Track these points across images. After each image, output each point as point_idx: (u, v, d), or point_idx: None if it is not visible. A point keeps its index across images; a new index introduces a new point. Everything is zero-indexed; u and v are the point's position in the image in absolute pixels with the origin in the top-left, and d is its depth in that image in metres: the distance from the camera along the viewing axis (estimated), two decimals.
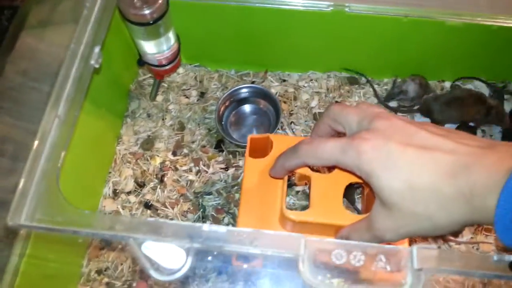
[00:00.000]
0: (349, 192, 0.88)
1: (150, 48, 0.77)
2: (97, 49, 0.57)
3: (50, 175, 0.49)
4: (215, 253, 0.58)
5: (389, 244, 0.46)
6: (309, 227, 0.52)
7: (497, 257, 0.43)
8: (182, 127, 0.97)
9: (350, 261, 0.43)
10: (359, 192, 0.88)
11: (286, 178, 0.61)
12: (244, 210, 0.56)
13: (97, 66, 0.58)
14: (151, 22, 0.70)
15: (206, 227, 0.44)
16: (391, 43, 0.92)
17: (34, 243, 0.64)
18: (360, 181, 0.54)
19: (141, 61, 0.82)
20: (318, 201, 0.54)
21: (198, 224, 0.44)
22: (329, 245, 0.44)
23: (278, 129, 0.95)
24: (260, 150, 0.65)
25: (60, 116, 0.52)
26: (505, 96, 0.99)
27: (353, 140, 0.45)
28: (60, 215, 0.44)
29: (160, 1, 0.69)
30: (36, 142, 0.52)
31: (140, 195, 0.90)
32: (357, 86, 1.01)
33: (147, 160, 0.94)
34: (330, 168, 0.59)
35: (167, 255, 0.42)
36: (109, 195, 0.91)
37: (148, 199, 0.90)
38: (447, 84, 1.01)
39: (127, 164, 0.93)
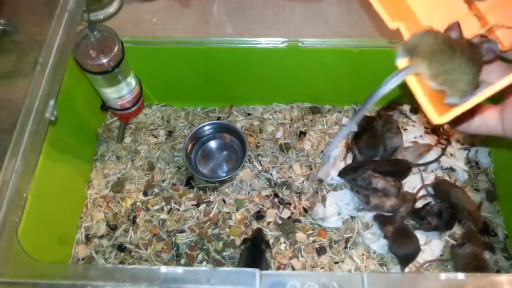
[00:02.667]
0: None
1: (111, 94, 0.79)
2: (51, 103, 0.59)
3: (8, 230, 0.50)
4: None
5: None
6: None
7: (445, 276, 0.46)
8: (151, 167, 0.99)
9: None
10: None
11: None
12: None
13: (52, 118, 0.60)
14: (110, 70, 0.72)
15: (164, 269, 0.46)
16: (345, 73, 0.97)
17: None
18: None
19: (104, 106, 0.84)
20: None
21: (155, 267, 0.45)
22: (283, 278, 0.45)
23: (246, 162, 0.97)
24: None
25: (17, 171, 0.53)
26: None
27: None
28: (19, 268, 0.45)
29: (115, 50, 0.71)
30: None
31: (113, 238, 0.91)
32: (319, 115, 1.05)
33: (118, 202, 0.95)
34: None
35: None
36: (81, 240, 0.91)
37: (121, 242, 0.90)
38: (406, 107, 1.06)
39: (99, 208, 0.94)
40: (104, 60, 0.71)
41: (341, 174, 0.93)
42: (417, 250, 0.83)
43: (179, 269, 0.46)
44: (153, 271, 0.46)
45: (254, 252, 0.82)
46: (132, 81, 0.82)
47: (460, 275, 0.45)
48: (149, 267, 0.45)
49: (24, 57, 0.69)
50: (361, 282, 0.45)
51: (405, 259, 0.83)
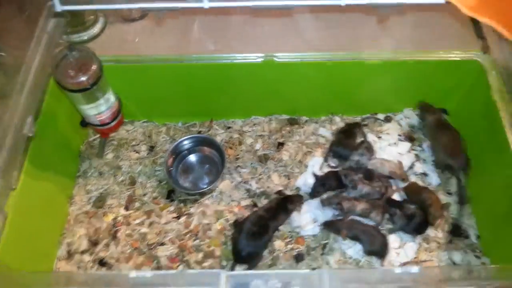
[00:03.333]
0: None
1: (90, 110, 0.82)
2: (29, 119, 0.62)
3: None
4: None
5: None
6: None
7: (401, 270, 0.48)
8: (133, 182, 1.01)
9: None
10: None
11: None
12: None
13: (30, 134, 0.63)
14: (89, 87, 0.75)
15: (133, 273, 0.48)
16: (320, 85, 1.00)
17: None
18: None
19: (84, 122, 0.87)
20: None
21: (124, 272, 0.47)
22: (247, 277, 0.48)
23: (225, 173, 1.00)
24: None
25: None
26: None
27: None
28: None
29: (93, 67, 0.74)
30: None
31: (94, 253, 0.92)
32: (297, 126, 1.08)
33: (100, 217, 0.96)
34: None
35: None
36: (63, 256, 0.92)
37: (102, 256, 0.91)
38: (381, 116, 1.09)
39: (80, 223, 0.95)
40: (83, 78, 0.74)
41: (315, 196, 0.95)
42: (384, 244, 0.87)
43: (148, 274, 0.48)
44: (123, 276, 0.48)
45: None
46: (110, 97, 0.84)
47: (414, 269, 0.48)
48: (119, 273, 0.47)
49: (4, 77, 0.72)
50: (320, 278, 0.48)
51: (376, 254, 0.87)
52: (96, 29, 1.27)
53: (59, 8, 0.74)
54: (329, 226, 0.91)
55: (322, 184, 0.93)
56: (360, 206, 0.89)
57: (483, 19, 0.59)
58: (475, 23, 1.02)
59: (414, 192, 0.93)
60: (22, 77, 0.64)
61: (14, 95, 0.62)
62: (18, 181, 0.66)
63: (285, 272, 0.48)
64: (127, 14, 1.31)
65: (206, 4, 0.73)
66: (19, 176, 0.74)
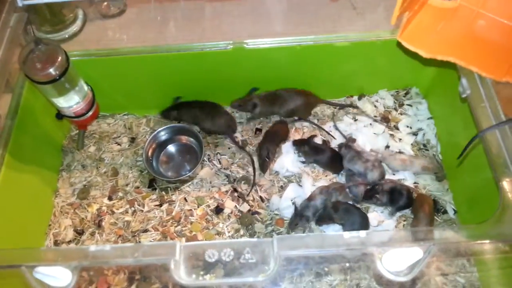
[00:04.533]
0: None
1: (63, 102, 0.84)
2: None
3: None
4: None
5: None
6: None
7: (348, 235, 0.50)
8: (115, 173, 1.03)
9: (221, 258, 0.49)
10: None
11: None
12: None
13: None
14: (57, 78, 0.77)
15: (93, 247, 0.50)
16: (291, 69, 1.02)
17: None
18: None
19: (59, 115, 0.89)
20: None
21: (84, 246, 0.49)
22: (201, 247, 0.50)
23: (205, 160, 1.02)
24: None
25: None
26: (408, 102, 1.08)
27: None
28: None
29: (59, 58, 0.77)
30: None
31: (80, 242, 0.94)
32: None
33: (85, 208, 0.99)
34: None
35: (55, 276, 0.47)
36: (50, 246, 0.94)
37: (87, 245, 0.94)
38: (355, 98, 1.11)
39: (65, 214, 0.98)
40: (50, 70, 0.76)
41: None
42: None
43: (107, 247, 0.50)
44: (83, 250, 0.50)
45: None
46: (82, 88, 0.86)
47: (362, 233, 0.49)
48: (80, 247, 0.49)
49: None
50: (271, 245, 0.50)
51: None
52: (76, 26, 1.29)
53: (20, 3, 0.76)
54: (321, 220, 0.92)
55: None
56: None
57: (447, 59, 0.60)
58: None
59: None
60: None
61: None
62: None
63: (237, 241, 0.49)
64: (106, 10, 1.34)
65: None
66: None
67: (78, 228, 0.96)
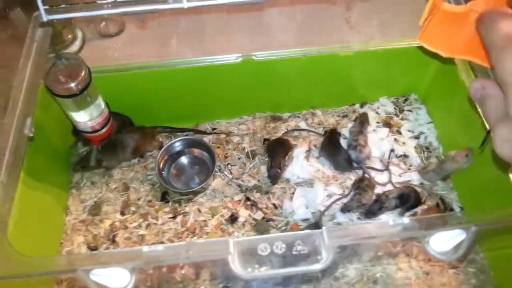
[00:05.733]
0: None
1: (82, 117, 0.85)
2: (29, 120, 0.65)
3: None
4: None
5: None
6: None
7: (393, 222, 0.52)
8: (126, 188, 1.03)
9: (273, 251, 0.50)
10: None
11: None
12: None
13: (31, 135, 0.65)
14: (78, 93, 0.78)
15: (146, 248, 0.50)
16: (298, 80, 1.05)
17: None
18: None
19: (76, 131, 0.89)
20: None
21: (137, 248, 0.50)
22: (254, 242, 0.51)
23: (216, 171, 1.03)
24: None
25: (3, 181, 0.58)
26: (408, 108, 1.13)
27: None
28: (9, 264, 0.49)
29: (82, 73, 0.78)
30: None
31: None
32: (280, 121, 1.13)
33: (97, 224, 0.98)
34: None
35: (113, 277, 0.47)
36: None
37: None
38: (357, 106, 1.15)
39: (78, 232, 0.97)
40: (72, 84, 0.77)
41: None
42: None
43: (160, 247, 0.51)
44: (136, 251, 0.50)
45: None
46: (101, 103, 0.87)
47: (406, 219, 0.52)
48: (132, 248, 0.50)
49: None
50: (321, 236, 0.51)
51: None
52: (75, 47, 1.30)
53: (45, 18, 0.77)
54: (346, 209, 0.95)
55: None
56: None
57: (465, 58, 0.65)
58: None
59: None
60: (18, 84, 0.67)
61: (12, 97, 0.65)
62: (16, 191, 0.67)
63: (288, 234, 0.51)
64: (104, 30, 1.36)
65: (186, 4, 0.77)
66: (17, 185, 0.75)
67: (92, 245, 0.95)
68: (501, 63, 0.42)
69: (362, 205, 0.94)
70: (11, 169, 0.61)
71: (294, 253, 0.50)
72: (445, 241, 0.50)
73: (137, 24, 1.35)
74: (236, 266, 0.49)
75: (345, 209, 0.95)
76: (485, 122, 0.81)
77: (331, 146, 1.04)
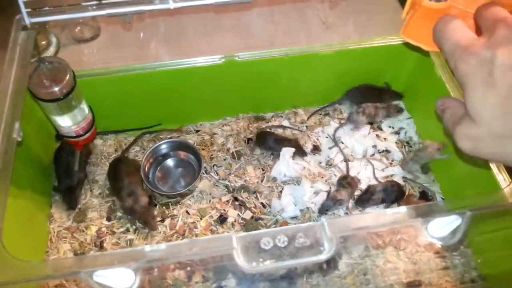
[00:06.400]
0: None
1: (65, 121, 0.83)
2: (17, 125, 0.63)
3: None
4: None
5: None
6: None
7: (391, 211, 0.54)
8: (111, 193, 1.01)
9: (276, 244, 0.51)
10: None
11: None
12: None
13: (19, 139, 0.63)
14: (62, 97, 0.76)
15: (148, 248, 0.50)
16: (281, 79, 1.06)
17: None
18: None
19: (59, 135, 0.87)
20: None
21: (139, 247, 0.49)
22: (257, 236, 0.51)
23: (203, 173, 1.03)
24: None
25: None
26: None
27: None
28: (8, 269, 0.47)
29: (67, 77, 0.76)
30: None
31: None
32: (264, 121, 1.14)
33: (83, 231, 0.96)
34: None
35: (117, 278, 0.46)
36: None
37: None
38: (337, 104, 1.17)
39: (63, 239, 0.94)
40: (57, 88, 0.75)
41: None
42: None
43: (162, 246, 0.50)
44: (138, 251, 0.50)
45: None
46: (85, 107, 0.86)
47: (403, 208, 0.54)
48: (134, 248, 0.49)
49: None
50: (322, 227, 0.52)
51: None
52: (50, 52, 1.28)
53: (27, 21, 0.76)
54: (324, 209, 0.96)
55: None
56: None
57: None
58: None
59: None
60: (3, 88, 0.65)
61: None
62: (7, 197, 0.65)
63: (290, 227, 0.52)
64: (79, 35, 1.33)
65: (172, 5, 0.77)
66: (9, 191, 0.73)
67: (78, 252, 0.93)
68: (455, 70, 0.47)
69: (338, 201, 0.95)
70: (1, 174, 0.59)
71: (297, 245, 0.51)
72: (442, 227, 0.52)
73: (113, 28, 1.34)
74: (241, 260, 0.49)
75: (322, 210, 0.96)
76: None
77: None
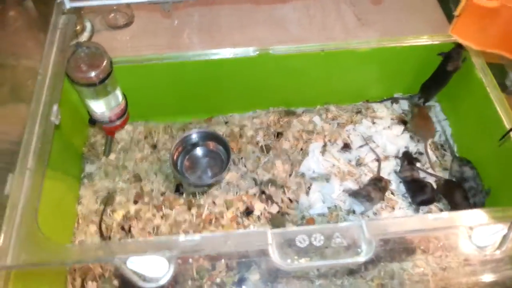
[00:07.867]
0: None
1: (100, 107, 0.83)
2: (55, 107, 0.63)
3: (29, 217, 0.52)
4: None
5: None
6: None
7: (432, 216, 0.52)
8: (139, 179, 1.02)
9: (312, 243, 0.50)
10: None
11: None
12: None
13: (57, 122, 0.64)
14: (98, 82, 0.77)
15: (182, 238, 0.50)
16: (314, 75, 1.05)
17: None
18: None
19: (92, 120, 0.87)
20: None
21: (174, 236, 0.49)
22: (292, 233, 0.50)
23: (230, 165, 1.02)
24: None
25: (30, 169, 0.56)
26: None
27: None
28: (43, 251, 0.48)
29: (104, 63, 0.76)
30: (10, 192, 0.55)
31: None
32: (294, 116, 1.12)
33: (110, 215, 0.96)
34: None
35: (151, 266, 0.46)
36: None
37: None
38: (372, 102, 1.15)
39: (91, 222, 0.95)
40: (93, 73, 0.76)
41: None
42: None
43: (196, 236, 0.50)
44: (173, 240, 0.49)
45: None
46: (119, 94, 0.86)
47: (445, 214, 0.52)
48: (168, 237, 0.49)
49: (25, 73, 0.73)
50: (361, 229, 0.51)
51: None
52: (84, 38, 1.28)
53: (68, 5, 0.76)
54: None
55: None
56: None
57: (495, 51, 0.65)
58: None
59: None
60: (43, 71, 0.65)
61: (37, 85, 0.63)
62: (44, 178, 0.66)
63: (326, 226, 0.51)
64: (113, 22, 1.34)
65: None
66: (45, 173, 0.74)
67: (105, 235, 0.94)
68: None
69: (368, 196, 0.93)
70: (38, 156, 0.59)
71: (333, 245, 0.50)
72: (488, 235, 0.50)
73: (147, 16, 1.33)
74: (275, 257, 0.49)
75: (353, 194, 0.96)
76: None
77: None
